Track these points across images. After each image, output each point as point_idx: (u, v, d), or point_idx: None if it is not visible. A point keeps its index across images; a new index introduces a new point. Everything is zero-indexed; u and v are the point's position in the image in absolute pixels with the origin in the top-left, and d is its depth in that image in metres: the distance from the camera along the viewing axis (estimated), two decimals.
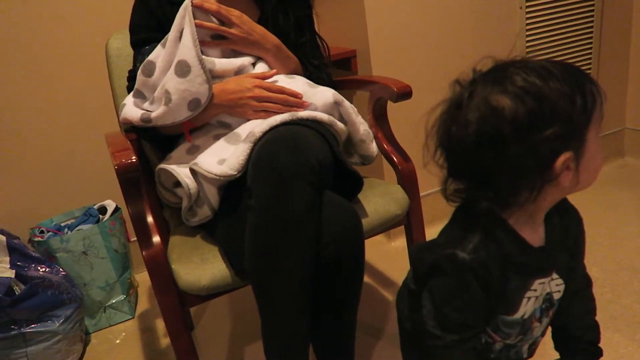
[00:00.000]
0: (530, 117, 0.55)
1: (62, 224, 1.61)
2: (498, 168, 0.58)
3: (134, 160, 0.85)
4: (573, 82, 0.57)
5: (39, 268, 1.40)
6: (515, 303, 0.67)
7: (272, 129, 0.92)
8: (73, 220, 1.62)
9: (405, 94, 1.07)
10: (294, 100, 1.02)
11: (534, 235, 0.67)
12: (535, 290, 0.67)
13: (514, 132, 0.55)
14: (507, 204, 0.62)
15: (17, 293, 1.29)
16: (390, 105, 1.18)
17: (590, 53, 1.98)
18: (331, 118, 1.03)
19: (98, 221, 1.58)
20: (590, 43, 1.96)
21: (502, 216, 0.64)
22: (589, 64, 1.99)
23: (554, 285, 0.72)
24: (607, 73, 2.03)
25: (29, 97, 1.58)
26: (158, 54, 1.03)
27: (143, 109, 1.05)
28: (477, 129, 0.57)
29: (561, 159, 0.56)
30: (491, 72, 0.61)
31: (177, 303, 0.93)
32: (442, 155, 0.64)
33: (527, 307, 0.69)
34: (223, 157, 0.94)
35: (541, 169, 0.57)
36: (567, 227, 0.72)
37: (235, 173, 0.90)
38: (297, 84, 1.06)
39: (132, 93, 1.08)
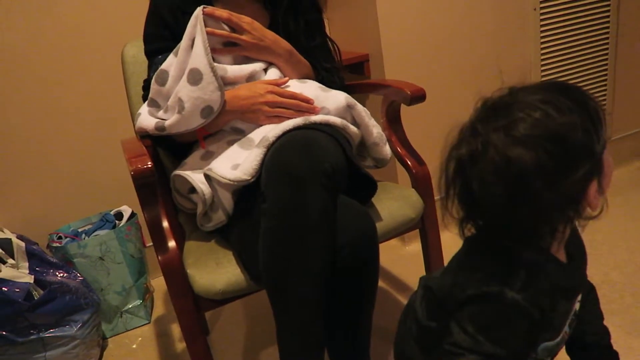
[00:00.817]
0: (556, 162, 0.53)
1: (80, 230, 1.63)
2: (534, 217, 0.56)
3: (150, 165, 0.86)
4: (577, 107, 0.55)
5: (57, 273, 1.42)
6: (559, 328, 0.65)
7: (285, 133, 0.92)
8: (90, 226, 1.64)
9: (419, 97, 1.06)
10: (306, 106, 1.02)
11: (561, 254, 0.64)
12: (574, 310, 0.66)
13: (544, 183, 0.53)
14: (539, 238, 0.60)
15: (35, 298, 1.31)
16: (404, 109, 1.17)
17: (607, 54, 1.95)
18: (344, 122, 1.03)
19: (114, 227, 1.60)
20: (607, 43, 1.93)
21: (541, 245, 0.61)
22: (605, 65, 1.96)
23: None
24: (624, 73, 2.01)
25: (47, 105, 1.61)
26: (171, 63, 1.04)
27: (157, 118, 1.06)
28: (506, 189, 0.54)
29: (592, 188, 0.55)
30: (494, 117, 0.57)
31: (193, 307, 0.93)
32: (461, 207, 0.61)
33: (566, 328, 0.66)
34: (237, 162, 0.95)
35: (576, 205, 0.56)
36: (571, 234, 0.69)
37: (249, 178, 0.91)
38: (310, 88, 1.06)
39: (146, 102, 1.09)
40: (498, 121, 0.56)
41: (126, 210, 1.66)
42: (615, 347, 0.80)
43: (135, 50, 1.26)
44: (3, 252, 1.39)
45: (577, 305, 0.70)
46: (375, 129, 1.10)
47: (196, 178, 0.99)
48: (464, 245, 0.67)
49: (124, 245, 1.56)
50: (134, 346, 1.55)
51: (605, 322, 0.82)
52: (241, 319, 1.58)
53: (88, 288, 1.46)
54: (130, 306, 1.60)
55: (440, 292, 0.67)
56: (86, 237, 1.56)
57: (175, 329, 1.59)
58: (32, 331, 1.31)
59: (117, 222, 1.63)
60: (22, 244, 1.41)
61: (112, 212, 1.66)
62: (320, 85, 1.09)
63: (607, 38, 1.92)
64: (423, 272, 1.21)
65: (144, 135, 1.15)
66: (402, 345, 0.78)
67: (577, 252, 0.68)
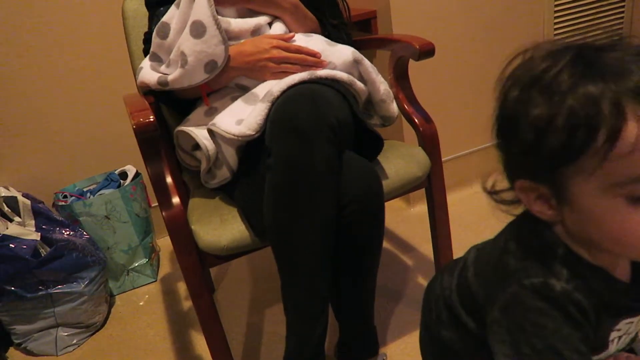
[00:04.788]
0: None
1: (85, 189, 1.63)
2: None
3: (152, 119, 0.84)
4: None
5: (63, 231, 1.42)
6: (600, 345, 0.52)
7: (290, 87, 0.90)
8: (95, 186, 1.64)
9: (427, 51, 1.03)
10: (313, 60, 0.99)
11: (617, 268, 0.51)
12: (619, 330, 0.51)
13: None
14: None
15: (43, 255, 1.32)
16: (412, 65, 1.14)
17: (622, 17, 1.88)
18: (351, 77, 1.00)
19: (119, 186, 1.59)
20: (621, 25, 1.86)
21: (574, 249, 0.48)
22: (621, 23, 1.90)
23: None
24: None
25: (49, 65, 1.58)
26: (172, 15, 1.01)
27: (160, 72, 1.03)
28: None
29: (518, 182, 0.47)
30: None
31: (198, 264, 0.93)
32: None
33: (611, 349, 0.53)
34: (241, 117, 0.93)
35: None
36: None
37: (254, 133, 0.89)
38: (316, 42, 1.03)
39: (148, 56, 1.07)
40: None
41: (131, 170, 1.65)
42: None
43: (136, 4, 1.22)
44: (9, 210, 1.40)
45: (634, 326, 0.54)
46: (383, 86, 1.07)
47: (200, 134, 0.98)
48: (505, 232, 0.55)
49: (129, 205, 1.56)
50: (141, 303, 1.57)
51: None
52: (247, 277, 1.60)
53: (94, 246, 1.47)
54: (136, 265, 1.62)
55: (480, 288, 0.54)
56: (91, 196, 1.56)
57: (182, 288, 1.60)
58: (40, 287, 1.33)
59: (121, 181, 1.63)
60: (28, 202, 1.41)
61: (116, 172, 1.66)
62: (327, 39, 1.06)
63: (622, 20, 1.85)
64: (428, 234, 1.20)
65: (146, 92, 1.13)
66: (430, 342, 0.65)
67: None
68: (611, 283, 0.47)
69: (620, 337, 0.52)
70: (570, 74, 0.41)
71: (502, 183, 0.51)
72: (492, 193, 0.53)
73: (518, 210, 0.51)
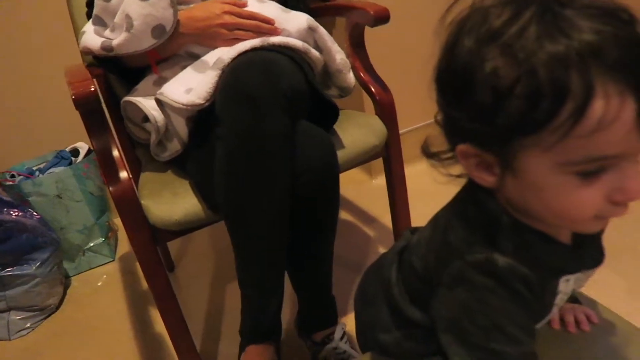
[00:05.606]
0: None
1: (34, 168, 1.56)
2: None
3: (93, 89, 0.80)
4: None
5: (11, 212, 1.36)
6: (545, 311, 0.51)
7: (242, 54, 0.86)
8: (45, 164, 1.57)
9: (382, 18, 1.01)
10: (266, 27, 0.96)
11: (560, 231, 0.47)
12: (560, 292, 0.50)
13: None
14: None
15: None
16: (369, 35, 1.12)
17: None
18: (305, 45, 0.98)
19: (71, 164, 1.53)
20: None
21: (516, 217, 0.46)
22: None
23: (583, 280, 0.53)
24: None
25: None
26: None
27: (104, 37, 0.98)
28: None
29: (460, 146, 0.43)
30: None
31: (150, 239, 0.90)
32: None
33: (554, 311, 0.52)
34: (190, 86, 0.89)
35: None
36: None
37: (204, 102, 0.86)
38: (269, 8, 0.99)
39: (91, 20, 1.01)
40: None
41: (83, 147, 1.59)
42: None
43: None
44: None
45: (571, 285, 0.52)
46: (339, 55, 1.05)
47: (148, 104, 0.94)
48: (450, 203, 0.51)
49: (83, 183, 1.51)
50: (99, 284, 1.53)
51: None
52: (208, 251, 1.58)
53: (46, 227, 1.42)
54: (92, 244, 1.57)
55: (434, 264, 0.50)
56: (41, 175, 1.50)
57: None
58: None
59: (73, 159, 1.56)
60: None
61: (67, 149, 1.59)
62: (281, 6, 1.03)
63: None
64: (388, 205, 1.20)
65: (93, 63, 1.07)
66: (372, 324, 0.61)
67: (590, 244, 0.50)
68: (554, 247, 0.46)
69: (562, 299, 0.51)
70: (537, 33, 0.36)
71: (442, 144, 0.47)
72: (430, 155, 0.49)
73: (457, 170, 0.48)
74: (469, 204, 0.48)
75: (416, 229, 0.59)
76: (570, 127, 0.36)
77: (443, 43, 0.43)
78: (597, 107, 0.35)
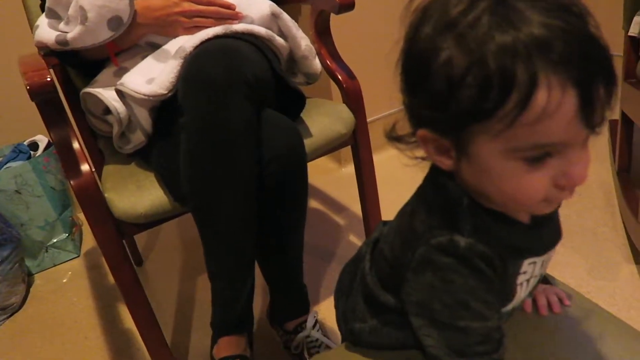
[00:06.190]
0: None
1: None
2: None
3: (49, 79, 0.77)
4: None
5: None
6: (510, 292, 0.52)
7: (204, 42, 0.85)
8: (2, 159, 1.51)
9: (347, 5, 1.00)
10: (228, 12, 0.94)
11: (519, 211, 0.49)
12: (525, 272, 0.51)
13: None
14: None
15: None
16: (334, 21, 1.11)
17: None
18: (269, 32, 0.96)
19: (30, 157, 1.48)
20: None
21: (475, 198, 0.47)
22: None
23: (547, 261, 0.54)
24: None
25: None
26: None
27: (59, 31, 0.94)
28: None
29: (419, 131, 0.45)
30: None
31: (114, 233, 0.88)
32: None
33: (519, 294, 0.53)
34: (152, 75, 0.87)
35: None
36: None
37: (166, 92, 0.84)
38: None
39: (44, 12, 0.97)
40: None
41: (42, 140, 1.53)
42: None
43: None
44: None
45: (538, 268, 0.53)
46: (304, 42, 1.04)
47: (108, 95, 0.91)
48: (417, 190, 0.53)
49: (43, 178, 1.46)
50: (64, 280, 1.49)
51: None
52: (177, 244, 1.56)
53: (5, 223, 1.37)
54: (55, 240, 1.52)
55: (394, 257, 0.52)
56: None
57: None
58: None
59: (32, 153, 1.51)
60: None
61: (25, 143, 1.53)
62: None
63: None
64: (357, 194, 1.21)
65: (48, 53, 1.03)
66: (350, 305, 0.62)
67: (549, 224, 0.52)
68: (512, 225, 0.48)
69: (528, 281, 0.52)
70: (489, 25, 0.37)
71: (405, 128, 0.49)
72: (394, 139, 0.51)
73: (421, 153, 0.49)
74: (431, 189, 0.50)
75: (388, 222, 0.60)
76: (515, 116, 0.37)
77: (406, 29, 0.43)
78: (540, 98, 0.36)
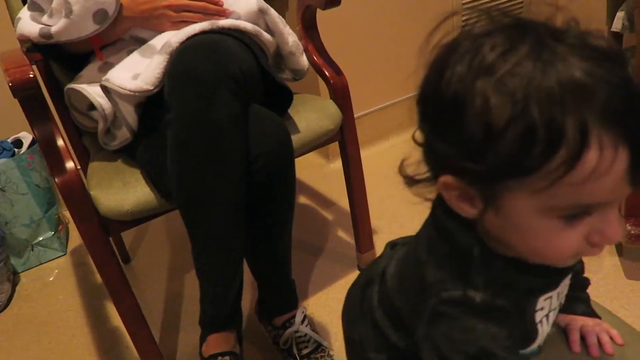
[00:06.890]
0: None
1: None
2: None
3: (32, 76, 0.76)
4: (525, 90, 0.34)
5: None
6: (531, 332, 0.49)
7: (191, 38, 0.84)
8: None
9: (333, 0, 1.00)
10: (214, 8, 0.93)
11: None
12: (542, 309, 0.48)
13: None
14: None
15: None
16: (321, 17, 1.11)
17: None
18: (256, 28, 0.96)
19: (14, 155, 1.46)
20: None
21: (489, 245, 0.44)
22: None
23: (562, 293, 0.51)
24: None
25: None
26: None
27: (42, 24, 0.93)
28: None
29: (443, 177, 0.41)
30: None
31: (100, 231, 0.87)
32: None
33: (542, 331, 0.50)
34: (137, 71, 0.86)
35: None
36: None
37: (152, 88, 0.83)
38: None
39: (27, 5, 0.95)
40: None
41: (26, 137, 1.51)
42: None
43: None
44: None
45: (555, 301, 0.50)
46: (291, 37, 1.03)
47: (93, 91, 0.90)
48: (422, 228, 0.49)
49: (27, 175, 1.44)
50: (51, 279, 1.47)
51: None
52: (165, 241, 1.54)
53: None
54: (41, 238, 1.50)
55: (404, 307, 0.49)
56: None
57: None
58: None
59: (16, 150, 1.49)
60: None
61: (9, 140, 1.51)
62: None
63: None
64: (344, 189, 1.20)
65: (31, 48, 1.01)
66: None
67: None
68: (525, 269, 0.44)
69: (547, 316, 0.49)
70: (533, 72, 0.33)
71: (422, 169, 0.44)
72: (411, 182, 0.46)
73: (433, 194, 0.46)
74: (438, 237, 0.46)
75: (395, 244, 0.57)
76: (561, 175, 0.34)
77: (430, 64, 0.40)
78: (591, 157, 0.33)
